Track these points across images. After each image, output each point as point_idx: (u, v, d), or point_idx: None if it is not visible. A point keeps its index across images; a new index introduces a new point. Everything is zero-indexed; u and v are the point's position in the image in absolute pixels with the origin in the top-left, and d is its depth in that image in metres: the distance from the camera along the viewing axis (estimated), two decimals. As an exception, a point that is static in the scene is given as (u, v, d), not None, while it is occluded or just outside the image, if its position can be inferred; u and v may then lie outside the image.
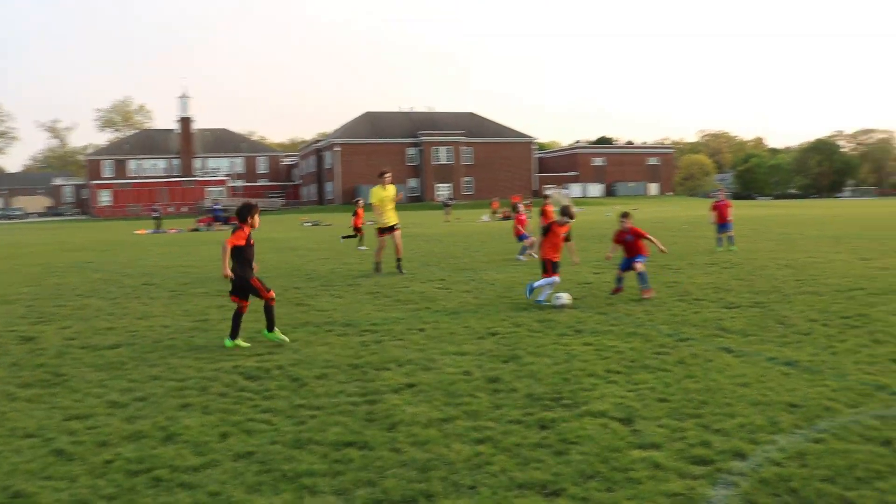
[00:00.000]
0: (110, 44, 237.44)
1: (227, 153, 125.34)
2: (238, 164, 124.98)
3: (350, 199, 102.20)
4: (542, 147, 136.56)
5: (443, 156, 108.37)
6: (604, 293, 12.25)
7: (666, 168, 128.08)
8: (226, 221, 53.04)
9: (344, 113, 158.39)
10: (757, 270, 15.14)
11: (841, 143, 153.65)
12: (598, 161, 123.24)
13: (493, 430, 5.54)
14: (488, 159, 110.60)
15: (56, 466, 5.05)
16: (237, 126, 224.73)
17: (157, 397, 6.70)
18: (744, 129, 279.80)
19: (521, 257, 19.28)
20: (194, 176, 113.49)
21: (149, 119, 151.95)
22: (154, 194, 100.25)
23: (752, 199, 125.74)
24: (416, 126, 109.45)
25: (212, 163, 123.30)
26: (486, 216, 55.53)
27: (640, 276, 11.59)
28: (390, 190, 16.56)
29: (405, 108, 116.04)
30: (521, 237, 20.27)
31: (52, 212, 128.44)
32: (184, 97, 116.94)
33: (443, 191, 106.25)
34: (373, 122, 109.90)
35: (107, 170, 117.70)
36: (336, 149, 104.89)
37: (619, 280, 12.00)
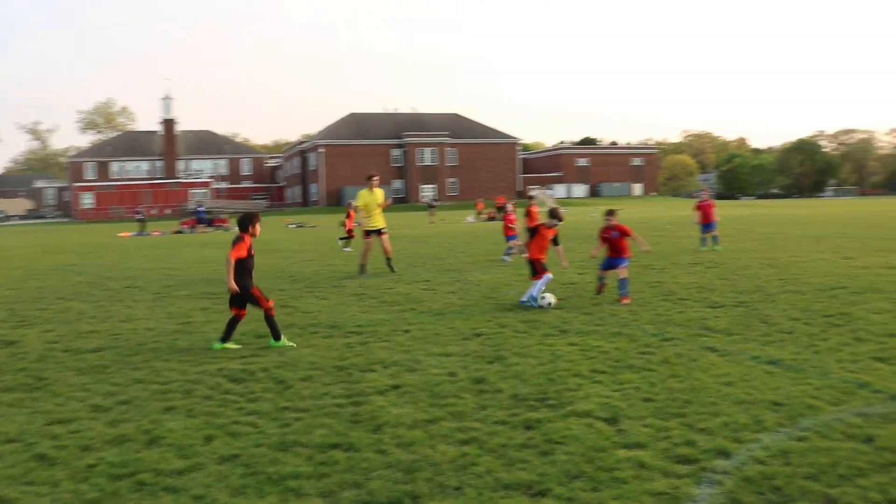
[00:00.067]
0: (92, 45, 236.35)
1: (211, 155, 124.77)
2: (222, 165, 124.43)
3: (335, 200, 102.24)
4: (526, 148, 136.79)
5: (427, 157, 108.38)
6: (588, 293, 12.28)
7: (650, 168, 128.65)
8: (209, 223, 52.84)
9: (328, 114, 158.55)
10: (740, 270, 15.23)
11: (822, 143, 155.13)
12: (582, 162, 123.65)
13: (479, 431, 5.54)
14: (473, 160, 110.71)
15: (38, 471, 5.00)
16: (221, 128, 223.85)
17: (141, 400, 6.65)
18: (727, 130, 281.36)
19: (507, 258, 19.30)
20: (178, 178, 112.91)
21: (132, 121, 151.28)
22: (137, 196, 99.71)
23: (736, 198, 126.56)
24: (401, 127, 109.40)
25: (195, 164, 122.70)
26: (470, 217, 55.59)
27: (622, 281, 11.53)
28: (378, 193, 16.59)
29: (389, 109, 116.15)
30: (511, 237, 20.16)
31: (33, 214, 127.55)
32: (167, 99, 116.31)
33: (427, 192, 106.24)
34: (357, 124, 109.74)
35: (89, 172, 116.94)
36: (320, 150, 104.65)
37: (601, 279, 11.99)
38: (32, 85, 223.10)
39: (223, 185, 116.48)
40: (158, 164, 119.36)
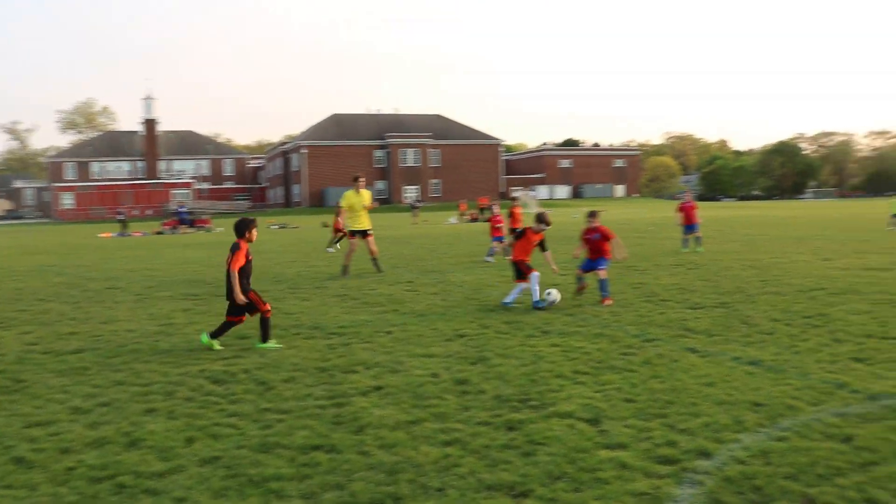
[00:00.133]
0: (72, 44, 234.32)
1: (193, 155, 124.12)
2: (204, 166, 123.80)
3: (317, 201, 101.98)
4: (509, 149, 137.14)
5: (410, 158, 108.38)
6: (570, 294, 12.31)
7: (632, 170, 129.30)
8: (191, 224, 52.57)
9: (310, 115, 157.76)
10: (722, 271, 15.33)
11: (803, 145, 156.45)
12: (564, 163, 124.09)
13: (461, 432, 5.54)
14: (455, 161, 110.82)
15: (16, 475, 4.95)
16: (203, 128, 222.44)
17: (121, 402, 6.60)
18: (708, 132, 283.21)
19: (490, 259, 19.33)
20: (159, 178, 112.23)
21: (113, 121, 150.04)
22: (118, 197, 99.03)
23: (717, 200, 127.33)
24: (384, 128, 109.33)
25: (177, 165, 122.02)
26: (453, 218, 55.64)
27: (602, 283, 11.56)
28: (364, 195, 16.61)
29: (372, 110, 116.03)
30: (497, 238, 20.12)
31: (11, 215, 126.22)
32: (148, 99, 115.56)
33: (410, 193, 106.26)
34: (340, 124, 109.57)
35: (69, 172, 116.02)
36: (303, 151, 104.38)
37: (580, 280, 11.94)
38: (11, 84, 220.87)
39: (205, 185, 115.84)
40: (140, 164, 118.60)
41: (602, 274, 11.56)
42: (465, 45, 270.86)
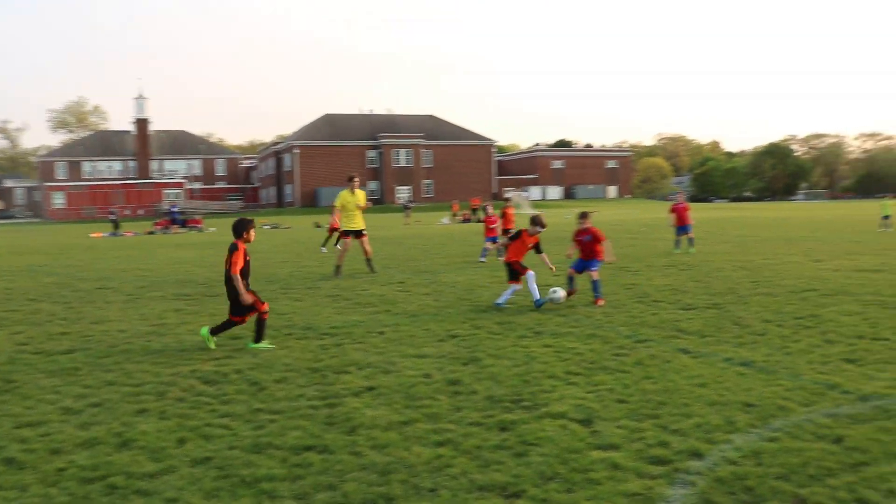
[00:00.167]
0: (64, 42, 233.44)
1: (185, 155, 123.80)
2: (196, 166, 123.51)
3: (309, 201, 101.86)
4: (501, 150, 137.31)
5: (403, 158, 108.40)
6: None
7: (624, 171, 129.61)
8: (183, 224, 52.44)
9: (303, 115, 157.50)
10: (713, 272, 15.37)
11: (794, 147, 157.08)
12: (557, 164, 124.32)
13: (454, 433, 5.54)
14: (448, 162, 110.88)
15: (6, 475, 4.92)
16: (196, 128, 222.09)
17: (113, 403, 6.57)
18: (701, 133, 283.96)
19: (483, 259, 19.36)
20: (151, 178, 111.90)
21: (104, 120, 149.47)
22: (109, 197, 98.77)
23: (709, 201, 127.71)
24: (376, 128, 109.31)
25: (169, 165, 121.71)
26: (446, 219, 55.66)
27: (594, 283, 11.57)
28: (359, 195, 16.61)
29: (365, 110, 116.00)
30: (490, 239, 20.10)
31: (2, 214, 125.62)
32: (140, 98, 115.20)
33: (403, 193, 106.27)
34: (332, 125, 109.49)
35: (60, 171, 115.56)
36: (295, 151, 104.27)
37: (571, 281, 11.91)
38: (1, 83, 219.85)
39: (197, 185, 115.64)
40: (131, 164, 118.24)
41: (594, 275, 11.57)
42: (457, 44, 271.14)
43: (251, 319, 8.86)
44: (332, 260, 18.12)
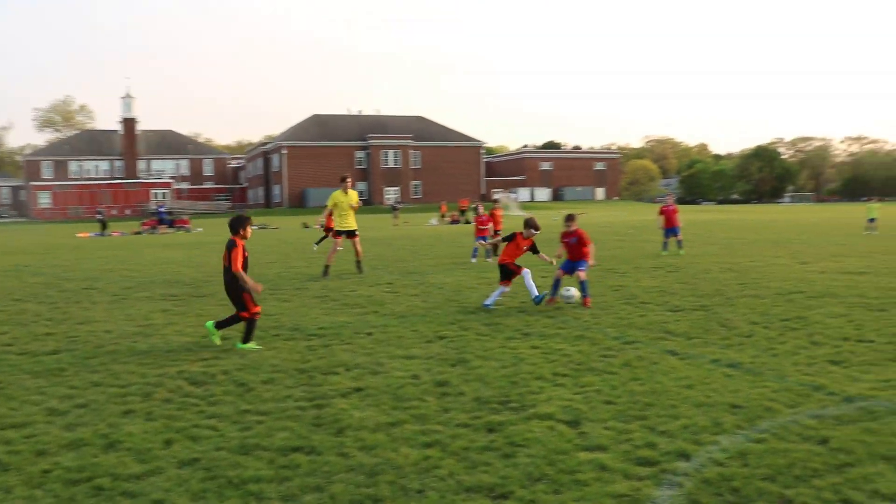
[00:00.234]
0: (50, 40, 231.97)
1: (173, 155, 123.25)
2: (183, 166, 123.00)
3: (297, 202, 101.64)
4: (490, 151, 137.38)
5: (391, 159, 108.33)
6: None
7: (612, 173, 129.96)
8: (171, 224, 52.21)
9: (291, 115, 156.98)
10: (701, 274, 15.43)
11: (781, 150, 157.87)
12: (545, 165, 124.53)
13: (441, 434, 5.54)
14: (436, 163, 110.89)
15: (-9, 476, 4.89)
16: (183, 127, 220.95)
17: (99, 404, 6.54)
18: (688, 135, 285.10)
19: (474, 260, 19.39)
20: (139, 178, 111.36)
21: (91, 119, 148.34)
22: (96, 196, 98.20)
23: (697, 203, 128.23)
24: (365, 129, 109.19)
25: (157, 165, 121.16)
26: (434, 220, 55.63)
27: (582, 284, 11.58)
28: (352, 195, 16.69)
29: (353, 111, 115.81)
30: (480, 238, 20.07)
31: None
32: (127, 97, 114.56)
33: (391, 194, 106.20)
34: (321, 125, 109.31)
35: (46, 171, 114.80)
36: (283, 151, 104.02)
37: (556, 286, 11.75)
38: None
39: (185, 185, 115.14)
40: (118, 163, 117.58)
41: (582, 275, 11.59)
42: (453, 45, 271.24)
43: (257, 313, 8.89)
44: (320, 260, 18.09)
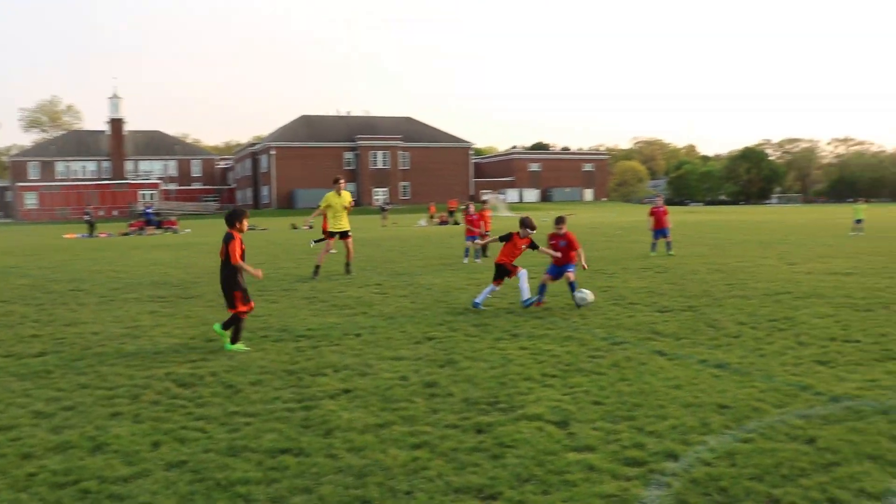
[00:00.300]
0: (36, 40, 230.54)
1: (161, 156, 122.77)
2: (171, 166, 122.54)
3: (286, 203, 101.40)
4: (478, 152, 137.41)
5: (380, 160, 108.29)
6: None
7: (601, 174, 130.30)
8: (159, 225, 52.00)
9: (280, 116, 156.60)
10: (689, 275, 15.49)
11: (768, 151, 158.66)
12: (534, 167, 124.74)
13: (430, 435, 5.53)
14: (425, 164, 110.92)
15: (-23, 479, 4.85)
16: (171, 128, 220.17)
17: (86, 406, 6.50)
18: (676, 137, 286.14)
19: (466, 260, 19.41)
20: (126, 179, 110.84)
21: (78, 120, 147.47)
22: (83, 197, 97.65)
23: (685, 204, 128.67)
24: (354, 130, 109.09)
25: (144, 165, 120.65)
26: (423, 221, 55.65)
27: (571, 285, 11.58)
28: (345, 196, 16.75)
29: (342, 111, 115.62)
30: (471, 238, 20.08)
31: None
32: (114, 98, 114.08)
33: (380, 195, 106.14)
34: (309, 126, 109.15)
35: (32, 172, 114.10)
36: (272, 152, 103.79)
37: (542, 290, 11.73)
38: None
39: (173, 186, 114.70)
40: (106, 164, 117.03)
41: (571, 276, 11.61)
42: (453, 46, 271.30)
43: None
44: (309, 261, 18.05)
